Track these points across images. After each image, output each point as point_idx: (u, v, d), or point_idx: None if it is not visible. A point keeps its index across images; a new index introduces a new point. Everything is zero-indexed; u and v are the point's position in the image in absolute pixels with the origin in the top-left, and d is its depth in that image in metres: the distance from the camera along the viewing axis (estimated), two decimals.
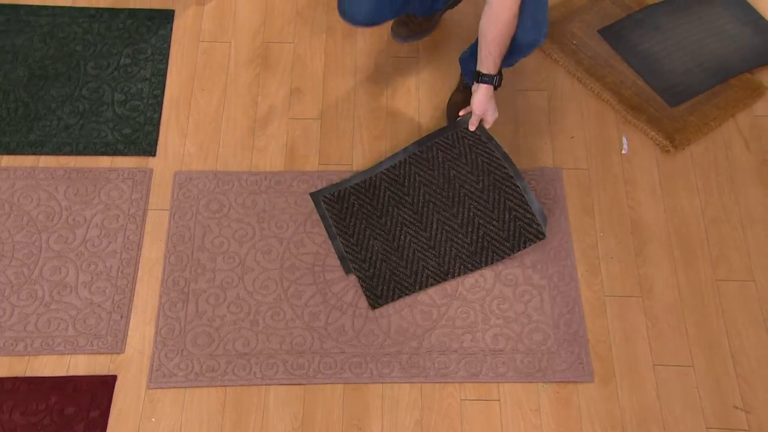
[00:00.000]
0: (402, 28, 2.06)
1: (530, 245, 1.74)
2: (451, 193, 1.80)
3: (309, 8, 2.18)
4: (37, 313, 1.67)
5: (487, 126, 1.76)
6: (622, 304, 1.74)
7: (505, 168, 1.76)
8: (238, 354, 1.64)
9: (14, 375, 1.61)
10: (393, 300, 1.71)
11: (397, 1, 1.75)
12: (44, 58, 2.04)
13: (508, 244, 1.74)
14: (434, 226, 1.78)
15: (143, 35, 2.10)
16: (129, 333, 1.66)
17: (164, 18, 2.14)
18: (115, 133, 1.93)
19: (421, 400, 1.61)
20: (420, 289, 1.72)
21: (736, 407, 1.62)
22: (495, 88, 1.67)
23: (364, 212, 1.81)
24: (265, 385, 1.62)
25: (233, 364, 1.63)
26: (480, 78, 1.66)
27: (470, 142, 1.79)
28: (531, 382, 1.63)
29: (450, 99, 1.98)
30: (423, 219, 1.79)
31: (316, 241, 1.79)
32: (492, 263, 1.74)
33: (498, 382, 1.63)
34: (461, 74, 1.95)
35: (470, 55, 1.78)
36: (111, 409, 1.57)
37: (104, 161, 1.89)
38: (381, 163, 1.86)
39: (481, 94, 1.67)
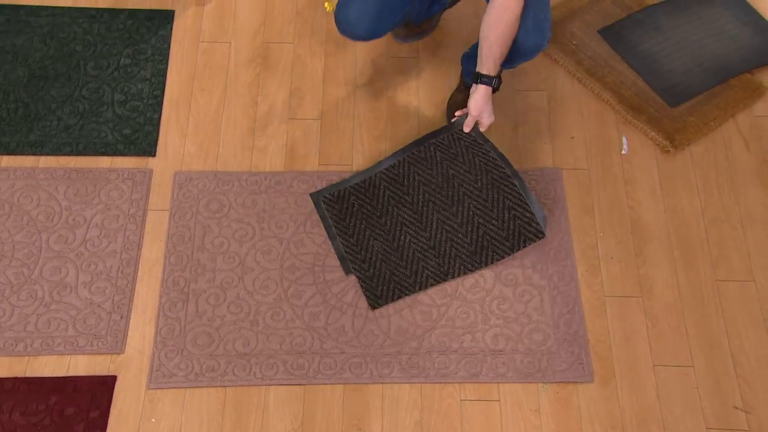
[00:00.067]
0: (402, 29, 2.06)
1: (530, 244, 1.73)
2: (450, 193, 1.80)
3: (309, 8, 2.18)
4: (37, 313, 1.67)
5: (482, 129, 1.74)
6: (622, 304, 1.74)
7: (502, 168, 1.75)
8: (238, 354, 1.64)
9: (14, 375, 1.61)
10: (393, 300, 1.71)
11: (396, 14, 1.74)
12: (44, 59, 2.04)
13: (507, 243, 1.74)
14: (434, 226, 1.78)
15: (143, 35, 2.10)
16: (129, 333, 1.66)
17: (164, 18, 2.14)
18: (115, 134, 1.93)
19: (421, 400, 1.61)
20: (420, 289, 1.72)
21: (736, 407, 1.62)
22: (494, 91, 1.67)
23: (364, 212, 1.81)
24: (265, 385, 1.62)
25: (233, 365, 1.63)
26: (479, 79, 1.65)
27: (466, 144, 1.78)
28: (531, 383, 1.63)
29: (450, 99, 1.98)
30: (423, 218, 1.79)
31: (316, 242, 1.79)
32: (492, 263, 1.74)
33: (498, 383, 1.63)
34: (462, 74, 1.95)
35: (472, 54, 1.77)
36: (111, 409, 1.57)
37: (104, 161, 1.89)
38: (380, 162, 1.86)
39: (478, 95, 1.66)
